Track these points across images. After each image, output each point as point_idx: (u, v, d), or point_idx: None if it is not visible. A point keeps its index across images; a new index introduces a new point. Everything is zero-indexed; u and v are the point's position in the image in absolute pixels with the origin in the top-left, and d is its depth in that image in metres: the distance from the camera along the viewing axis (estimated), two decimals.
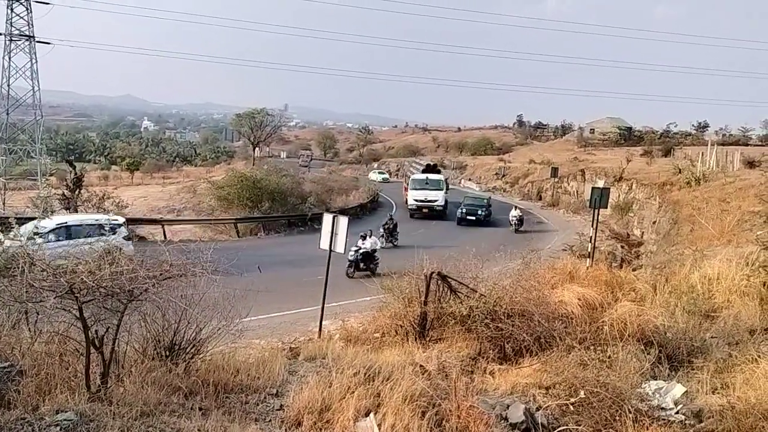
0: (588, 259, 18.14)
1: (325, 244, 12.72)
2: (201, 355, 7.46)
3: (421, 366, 8.41)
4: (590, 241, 19.57)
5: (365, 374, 7.31)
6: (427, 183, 39.45)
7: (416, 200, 38.29)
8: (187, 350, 7.35)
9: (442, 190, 38.81)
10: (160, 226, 27.38)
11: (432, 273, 10.49)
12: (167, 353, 7.14)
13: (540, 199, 53.44)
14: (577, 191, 49.07)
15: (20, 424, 5.06)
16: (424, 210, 37.74)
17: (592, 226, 19.74)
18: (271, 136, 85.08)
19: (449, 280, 10.61)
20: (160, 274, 5.83)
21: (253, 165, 54.82)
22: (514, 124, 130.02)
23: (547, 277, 13.21)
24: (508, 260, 14.26)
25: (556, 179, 51.04)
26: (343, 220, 12.72)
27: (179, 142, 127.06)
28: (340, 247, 12.58)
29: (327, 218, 12.90)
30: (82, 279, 5.14)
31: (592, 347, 9.13)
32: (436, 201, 38.00)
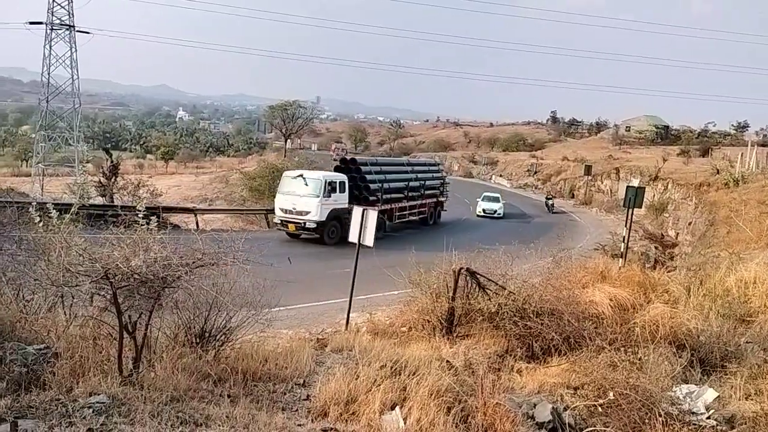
0: (620, 260, 17.85)
1: (353, 237, 12.75)
2: (230, 343, 7.57)
3: (447, 362, 8.39)
4: (623, 241, 19.25)
5: (392, 368, 7.33)
6: (305, 184, 24.72)
7: (282, 209, 25.20)
8: (217, 338, 7.46)
9: (318, 197, 24.19)
10: (193, 215, 27.80)
11: (461, 269, 10.44)
12: (197, 340, 7.25)
13: (573, 197, 52.83)
14: (610, 190, 48.36)
15: (54, 405, 5.20)
16: (292, 227, 24.87)
17: (626, 225, 19.39)
18: (303, 129, 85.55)
19: (478, 276, 10.55)
20: (193, 263, 5.91)
21: (285, 157, 55.29)
22: (547, 120, 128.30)
23: (578, 276, 13.03)
24: (538, 258, 14.11)
25: (590, 177, 50.36)
26: (372, 214, 12.72)
27: (213, 133, 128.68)
28: (369, 241, 12.59)
29: (356, 211, 12.91)
30: (117, 265, 5.25)
31: (622, 349, 9.01)
32: (308, 214, 24.28)
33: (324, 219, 24.16)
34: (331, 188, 24.75)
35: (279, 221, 25.22)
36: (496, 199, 41.54)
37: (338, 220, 24.39)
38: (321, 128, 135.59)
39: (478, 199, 41.76)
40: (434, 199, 33.61)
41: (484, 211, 39.94)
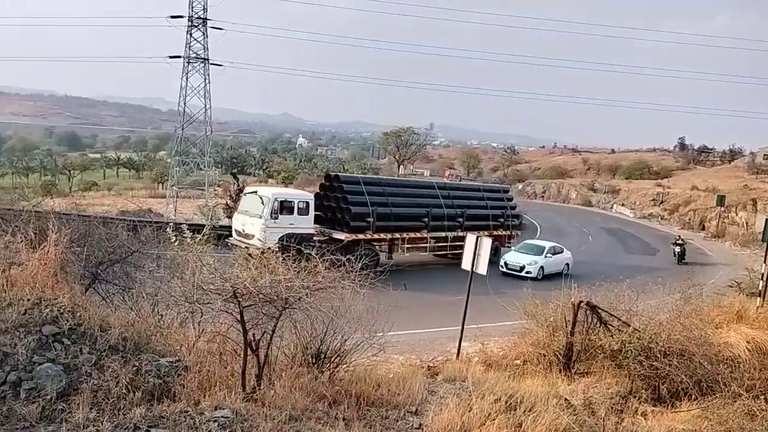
0: (759, 299, 16.33)
1: (467, 264, 12.61)
2: (345, 366, 7.70)
3: (566, 399, 8.03)
4: (762, 279, 17.61)
5: (506, 402, 7.12)
6: (261, 203, 20.83)
7: (236, 230, 21.82)
8: (332, 360, 7.62)
9: (262, 219, 20.42)
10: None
11: (580, 302, 10.00)
12: (314, 361, 7.45)
13: (703, 229, 49.25)
14: (746, 222, 44.66)
15: (183, 416, 5.51)
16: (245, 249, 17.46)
17: (765, 261, 17.76)
18: (416, 155, 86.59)
19: (599, 310, 10.05)
20: (313, 285, 6.10)
21: None
22: (674, 147, 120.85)
23: (711, 315, 12.08)
24: (665, 294, 13.23)
25: (723, 208, 46.79)
26: (486, 242, 12.55)
27: (329, 159, 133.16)
28: (482, 269, 12.42)
29: (470, 239, 12.80)
30: (245, 285, 5.52)
31: (762, 396, 8.22)
32: (252, 238, 20.43)
33: (270, 245, 17.16)
34: (283, 208, 20.61)
35: (231, 244, 20.05)
36: (535, 250, 25.94)
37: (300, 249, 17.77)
38: (434, 154, 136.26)
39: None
40: (487, 232, 24.02)
41: (506, 265, 24.98)
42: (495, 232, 26.30)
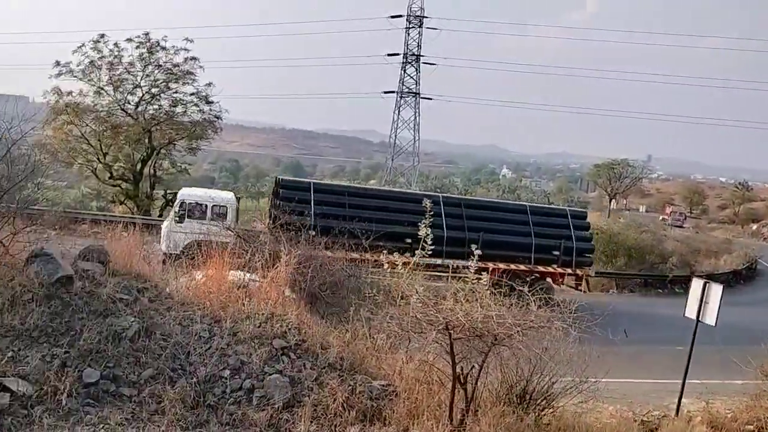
0: None
1: (691, 312, 11.45)
2: (551, 410, 7.40)
3: None
4: None
5: None
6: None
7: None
8: (538, 402, 7.38)
9: (165, 222, 18.83)
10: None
11: None
12: (518, 401, 7.27)
13: None
14: None
15: None
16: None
17: None
18: (630, 189, 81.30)
19: None
20: (525, 323, 5.99)
21: (608, 217, 53.05)
22: None
23: None
24: None
25: None
26: (716, 288, 11.29)
27: (533, 190, 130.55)
28: (710, 318, 11.19)
29: (696, 284, 11.62)
30: (459, 317, 5.60)
31: None
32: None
33: (177, 252, 15.40)
34: (193, 212, 17.81)
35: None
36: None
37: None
38: (650, 189, 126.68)
39: None
40: (525, 266, 19.97)
41: None
42: (539, 267, 20.53)
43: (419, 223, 11.23)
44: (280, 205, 17.88)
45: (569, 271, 21.51)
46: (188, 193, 19.00)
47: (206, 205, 17.93)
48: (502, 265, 19.01)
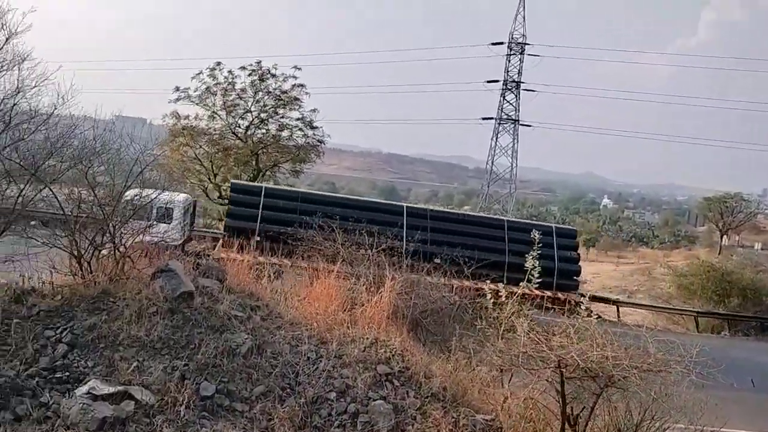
0: None
1: None
2: None
3: None
4: None
5: None
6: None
7: None
8: None
9: None
10: (614, 306, 27.14)
11: None
12: None
13: None
14: None
15: None
16: None
17: None
18: (743, 224, 75.84)
19: None
20: (642, 365, 5.71)
21: (719, 254, 49.80)
22: None
23: None
24: None
25: None
26: None
27: (637, 222, 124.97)
28: None
29: None
30: (573, 356, 5.43)
31: None
32: None
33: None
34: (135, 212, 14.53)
35: None
36: None
37: None
38: (766, 225, 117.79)
39: None
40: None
41: None
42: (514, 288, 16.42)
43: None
44: (230, 210, 19.32)
45: (548, 294, 18.42)
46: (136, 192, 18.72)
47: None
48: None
